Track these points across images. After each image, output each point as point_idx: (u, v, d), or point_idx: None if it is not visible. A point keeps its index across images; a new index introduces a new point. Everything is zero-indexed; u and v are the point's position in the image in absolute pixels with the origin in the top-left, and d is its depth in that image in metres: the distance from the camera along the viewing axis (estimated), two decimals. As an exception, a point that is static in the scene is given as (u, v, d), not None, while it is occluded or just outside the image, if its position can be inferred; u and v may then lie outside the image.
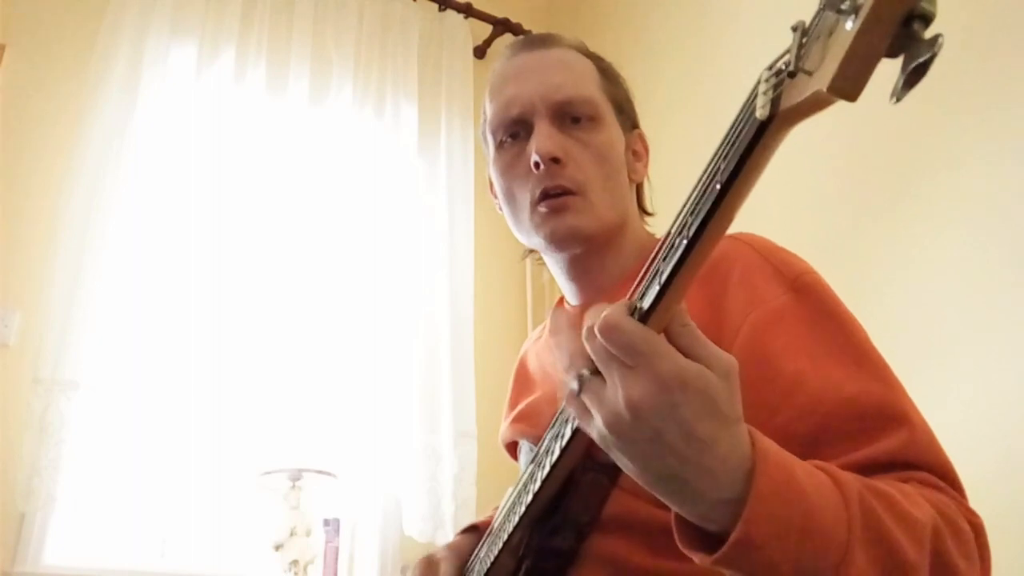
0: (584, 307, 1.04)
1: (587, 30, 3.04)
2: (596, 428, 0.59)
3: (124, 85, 2.35)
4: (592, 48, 1.11)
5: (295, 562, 2.15)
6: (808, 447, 0.64)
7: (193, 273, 2.39)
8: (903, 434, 0.74)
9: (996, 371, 1.62)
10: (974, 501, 0.76)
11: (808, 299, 0.84)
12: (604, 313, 0.58)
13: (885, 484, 0.67)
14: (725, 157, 0.50)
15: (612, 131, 1.05)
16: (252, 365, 2.41)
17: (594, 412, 0.59)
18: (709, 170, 0.52)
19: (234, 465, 2.31)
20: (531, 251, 1.13)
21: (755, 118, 0.47)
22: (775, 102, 0.46)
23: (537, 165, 0.98)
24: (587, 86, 1.04)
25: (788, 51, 0.46)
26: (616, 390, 0.57)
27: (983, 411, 1.61)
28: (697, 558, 0.60)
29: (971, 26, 1.75)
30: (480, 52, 3.16)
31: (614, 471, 0.87)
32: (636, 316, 0.58)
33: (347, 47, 2.77)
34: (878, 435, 0.74)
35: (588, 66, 1.07)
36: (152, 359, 2.29)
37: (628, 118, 1.09)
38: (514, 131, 1.03)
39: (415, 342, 2.59)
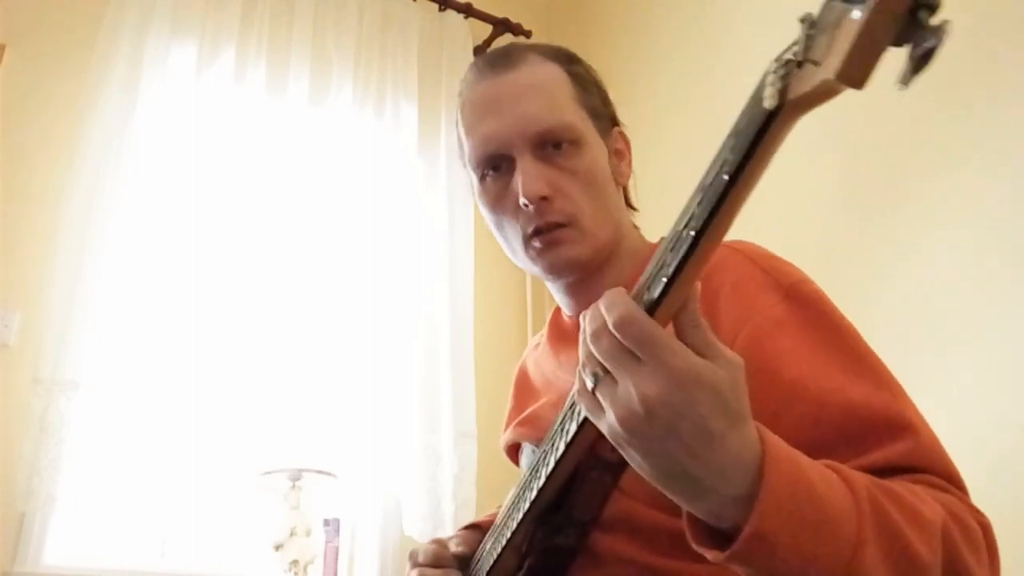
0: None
1: (586, 30, 3.05)
2: (608, 424, 0.59)
3: (124, 85, 2.35)
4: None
5: (295, 562, 2.15)
6: (811, 455, 0.64)
7: (193, 273, 2.39)
8: (908, 441, 0.74)
9: (996, 370, 1.62)
10: (973, 499, 0.75)
11: (804, 307, 0.84)
12: (616, 307, 0.58)
13: (894, 483, 0.67)
14: (732, 148, 0.50)
15: (594, 148, 1.01)
16: (252, 365, 2.40)
17: (607, 408, 0.59)
18: (716, 161, 0.52)
19: (234, 465, 2.31)
20: None
21: (762, 108, 0.47)
22: (782, 92, 0.46)
23: (526, 205, 0.96)
24: (563, 109, 1.00)
25: (795, 43, 0.46)
26: (629, 387, 0.57)
27: (981, 411, 1.62)
28: (711, 555, 0.60)
29: (971, 27, 1.76)
30: (480, 52, 3.15)
31: (617, 469, 0.86)
32: (643, 306, 0.58)
33: (347, 47, 2.77)
34: (883, 442, 0.74)
35: (560, 79, 1.02)
36: (152, 359, 2.28)
37: (606, 121, 1.06)
38: (495, 165, 1.01)
39: (415, 342, 2.59)
